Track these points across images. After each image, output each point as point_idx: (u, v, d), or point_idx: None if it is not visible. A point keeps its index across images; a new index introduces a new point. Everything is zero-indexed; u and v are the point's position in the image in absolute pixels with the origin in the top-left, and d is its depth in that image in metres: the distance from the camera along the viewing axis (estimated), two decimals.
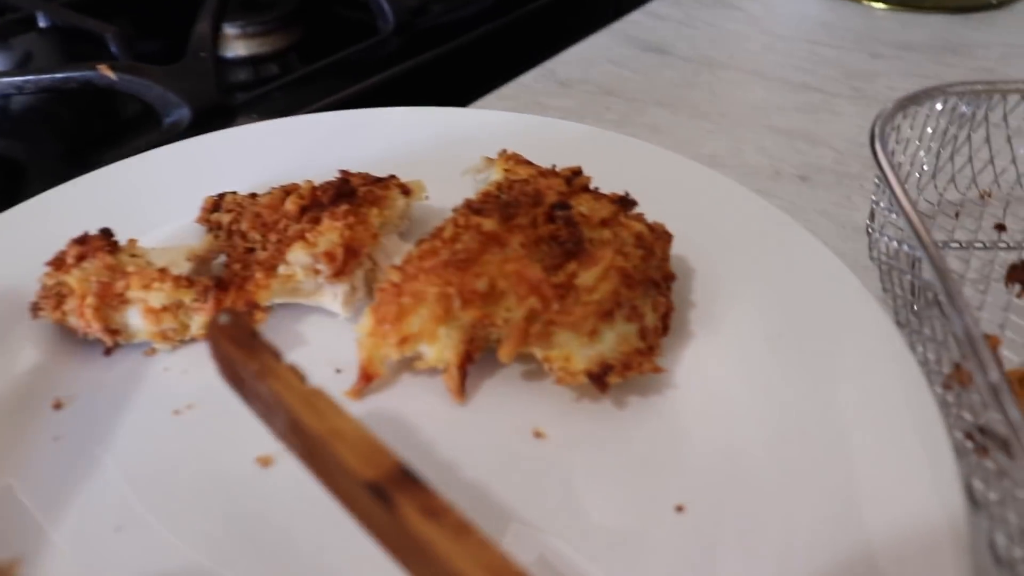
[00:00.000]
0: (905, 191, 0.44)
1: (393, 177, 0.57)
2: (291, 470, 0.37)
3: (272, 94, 0.83)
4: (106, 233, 0.53)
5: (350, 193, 0.53)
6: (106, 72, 0.79)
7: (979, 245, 0.54)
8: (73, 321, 0.50)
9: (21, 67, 0.96)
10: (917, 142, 0.55)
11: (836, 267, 0.49)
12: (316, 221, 0.51)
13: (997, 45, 0.88)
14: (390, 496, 0.28)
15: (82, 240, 0.52)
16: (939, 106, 0.53)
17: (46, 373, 0.49)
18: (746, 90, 0.79)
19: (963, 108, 0.54)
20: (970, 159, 0.57)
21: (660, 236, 0.47)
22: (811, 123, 0.74)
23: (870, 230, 0.50)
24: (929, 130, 0.54)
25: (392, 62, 0.90)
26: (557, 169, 0.54)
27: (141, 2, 1.08)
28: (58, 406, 0.48)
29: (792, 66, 0.83)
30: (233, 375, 0.36)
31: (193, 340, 0.51)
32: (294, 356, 0.50)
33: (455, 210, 0.48)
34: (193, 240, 0.57)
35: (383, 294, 0.46)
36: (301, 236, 0.51)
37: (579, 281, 0.43)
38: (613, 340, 0.44)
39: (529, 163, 0.55)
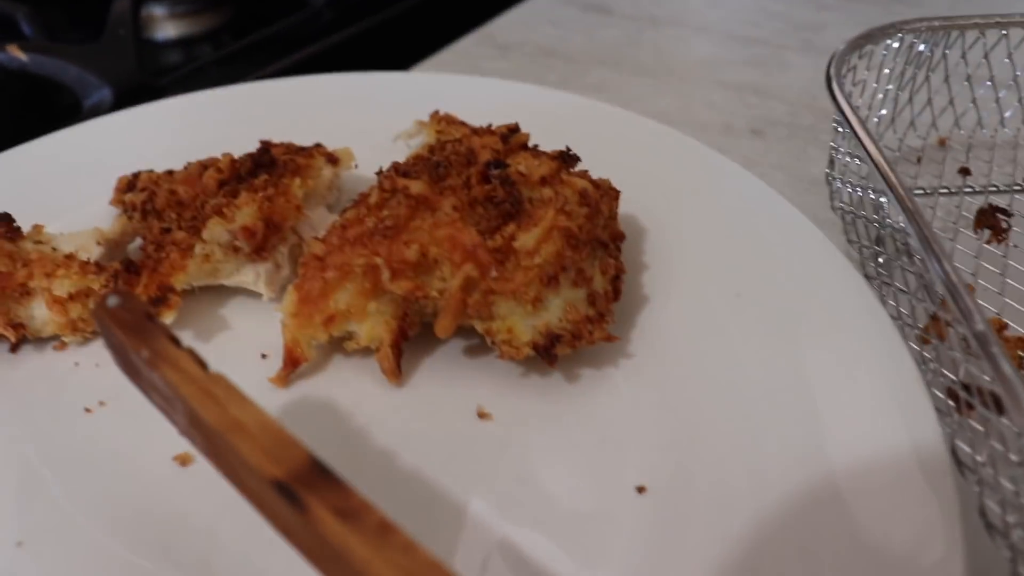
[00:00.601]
0: (867, 129, 0.41)
1: (319, 146, 0.53)
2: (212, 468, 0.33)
3: (201, 72, 0.78)
4: (5, 219, 0.48)
5: (269, 163, 0.48)
6: (16, 53, 0.73)
7: (944, 191, 0.51)
8: None
9: None
10: (874, 84, 0.52)
11: (797, 219, 0.46)
12: (234, 195, 0.47)
13: None
14: (299, 496, 0.24)
15: None
16: (895, 44, 0.50)
17: None
18: (692, 46, 0.76)
19: (920, 47, 0.51)
20: (929, 101, 0.54)
21: (606, 193, 0.44)
22: (761, 76, 0.71)
23: (830, 179, 0.47)
24: (886, 71, 0.51)
25: (325, 33, 0.85)
26: (493, 128, 0.51)
27: None
28: None
29: (738, 20, 0.80)
30: (127, 364, 0.31)
31: None
32: (216, 342, 0.46)
33: (379, 173, 0.44)
34: (108, 223, 0.53)
35: (306, 269, 0.42)
36: (218, 211, 0.46)
37: (518, 244, 0.39)
38: (559, 308, 0.40)
39: (463, 124, 0.51)
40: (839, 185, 0.46)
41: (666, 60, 0.74)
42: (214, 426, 0.27)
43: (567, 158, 0.46)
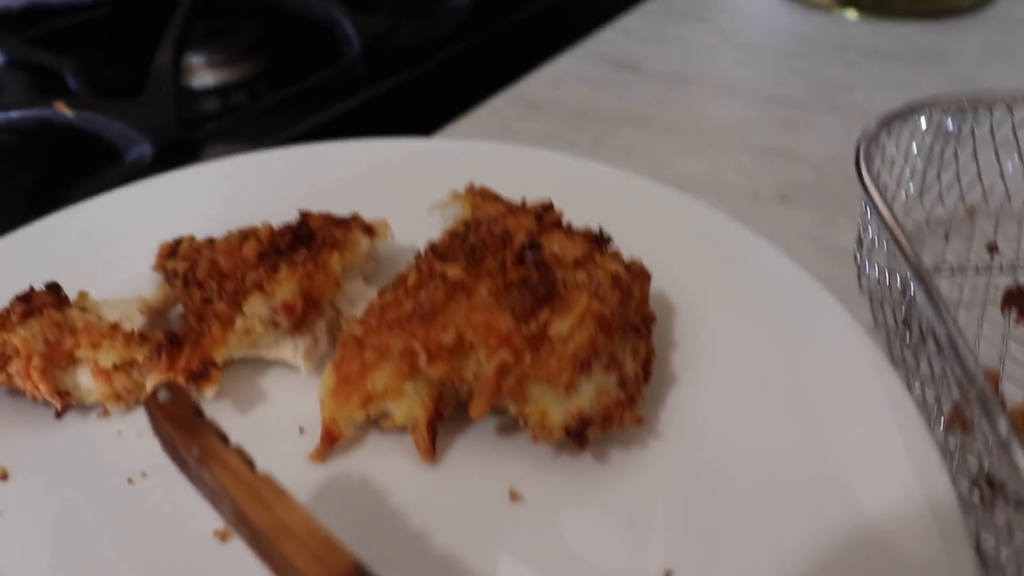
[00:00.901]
0: (894, 215, 0.41)
1: (356, 216, 0.54)
2: None
3: (238, 125, 0.80)
4: (53, 288, 0.50)
5: (308, 237, 0.50)
6: (62, 109, 0.76)
7: (972, 269, 0.52)
8: (20, 383, 0.47)
9: None
10: (903, 160, 0.52)
11: (824, 299, 0.46)
12: (274, 269, 0.48)
13: (972, 51, 0.86)
14: None
15: (27, 297, 0.49)
16: (923, 122, 0.51)
17: None
18: (721, 106, 0.77)
19: (949, 124, 0.52)
20: (957, 177, 0.55)
21: (638, 276, 0.45)
22: (789, 138, 0.72)
23: (857, 257, 0.48)
24: (914, 148, 0.52)
25: (360, 87, 0.87)
26: (527, 204, 0.52)
27: (105, 33, 1.05)
28: (3, 476, 0.44)
29: (765, 79, 0.81)
30: (176, 455, 0.33)
31: None
32: (255, 414, 0.47)
33: (418, 256, 0.46)
34: (150, 288, 0.54)
35: (345, 349, 0.43)
36: (258, 286, 0.48)
37: (553, 330, 0.40)
38: (591, 392, 0.41)
39: (497, 198, 0.52)
40: (866, 264, 0.47)
41: (695, 121, 0.75)
42: (262, 527, 0.28)
43: (599, 239, 0.47)
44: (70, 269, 0.56)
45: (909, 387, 0.42)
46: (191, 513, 0.40)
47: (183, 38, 0.90)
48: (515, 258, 0.44)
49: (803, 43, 0.89)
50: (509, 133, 0.74)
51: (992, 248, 0.54)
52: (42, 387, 0.46)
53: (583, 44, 0.90)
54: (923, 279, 0.39)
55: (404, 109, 0.90)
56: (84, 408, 0.48)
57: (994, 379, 0.41)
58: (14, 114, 0.76)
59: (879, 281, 0.45)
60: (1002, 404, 0.38)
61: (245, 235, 0.52)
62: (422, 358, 0.41)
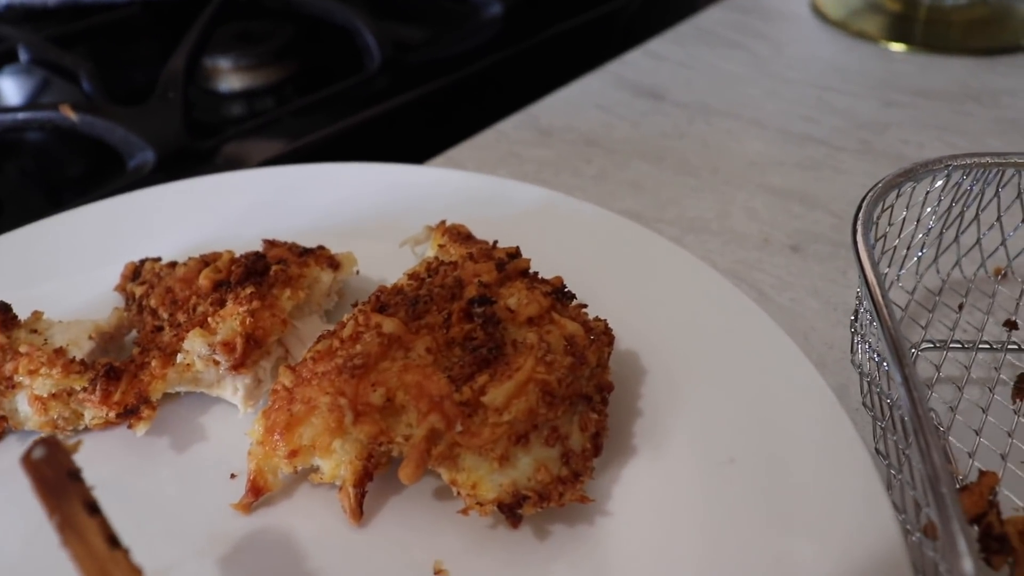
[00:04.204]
0: (881, 288, 0.37)
1: (322, 248, 0.51)
2: None
3: (248, 135, 0.78)
4: (2, 308, 0.48)
5: (262, 271, 0.47)
6: (68, 113, 0.75)
7: (984, 345, 0.46)
8: None
9: None
10: (916, 221, 0.47)
11: (809, 377, 0.42)
12: (221, 303, 0.46)
13: None
14: None
15: None
16: (939, 183, 0.46)
17: None
18: (742, 142, 0.72)
19: (968, 185, 0.47)
20: (978, 241, 0.50)
21: (599, 338, 0.41)
22: (810, 181, 0.67)
23: (853, 330, 0.43)
24: (928, 209, 0.47)
25: (377, 100, 0.85)
26: (496, 247, 0.48)
27: (133, 33, 1.05)
28: None
29: (796, 115, 0.76)
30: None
31: (88, 429, 0.46)
32: (189, 453, 0.45)
33: (356, 304, 0.43)
34: (115, 307, 0.53)
35: (275, 398, 0.40)
36: (201, 321, 0.45)
37: (487, 399, 0.37)
38: (529, 466, 0.38)
39: (468, 238, 0.49)
40: (859, 341, 0.42)
41: (712, 157, 0.70)
42: None
43: (561, 295, 0.43)
44: (36, 283, 0.55)
45: (889, 485, 0.37)
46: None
47: (200, 44, 0.89)
48: (461, 313, 0.40)
49: (842, 76, 0.83)
50: (514, 160, 0.71)
51: (1011, 324, 0.49)
52: None
53: (608, 66, 0.86)
54: (899, 356, 0.34)
55: (420, 123, 0.87)
56: (25, 433, 0.46)
57: (989, 484, 0.36)
58: (21, 115, 0.76)
59: (870, 360, 0.40)
60: (996, 514, 0.34)
61: (206, 261, 0.50)
62: (348, 417, 0.38)
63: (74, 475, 0.30)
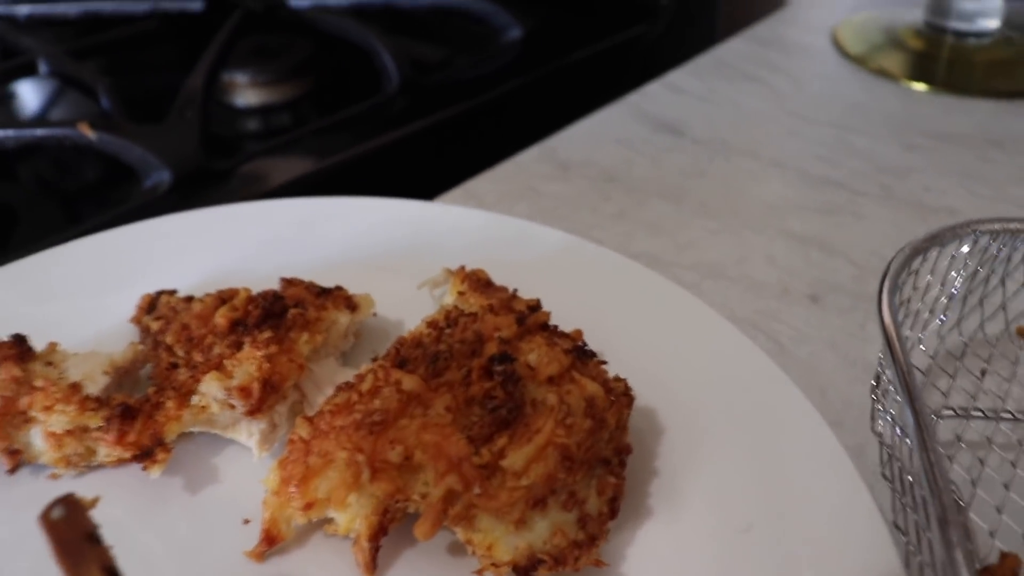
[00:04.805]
0: (910, 373, 0.36)
1: (339, 289, 0.51)
2: None
3: (266, 156, 0.78)
4: (18, 340, 0.48)
5: (280, 313, 0.47)
6: (85, 131, 0.75)
7: (1007, 415, 0.46)
8: None
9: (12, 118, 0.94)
10: (940, 286, 0.47)
11: (827, 443, 0.42)
12: (238, 345, 0.46)
13: None
14: None
15: None
16: (966, 248, 0.46)
17: None
18: (761, 184, 0.72)
19: (996, 249, 0.47)
20: (1003, 305, 0.49)
21: (618, 400, 0.41)
22: (830, 227, 0.66)
23: (873, 397, 0.43)
24: (953, 273, 0.47)
25: (395, 124, 0.85)
26: (519, 293, 0.48)
27: (153, 46, 1.05)
28: None
29: (816, 156, 0.76)
30: None
31: (101, 466, 0.46)
32: (202, 496, 0.45)
33: (375, 358, 0.42)
34: (131, 338, 0.53)
35: (291, 449, 0.40)
36: (218, 364, 0.45)
37: (506, 463, 0.37)
38: (546, 530, 0.37)
39: (488, 284, 0.49)
40: (880, 408, 0.41)
41: (732, 198, 0.70)
42: None
43: (581, 353, 0.43)
44: (51, 310, 0.54)
45: (907, 563, 0.37)
46: None
47: (219, 60, 0.89)
48: (481, 371, 0.40)
49: (863, 116, 0.83)
50: (532, 194, 0.71)
51: None
52: None
53: (628, 98, 0.86)
54: (924, 441, 0.34)
55: (437, 148, 0.87)
56: (39, 466, 0.46)
57: (1012, 566, 0.35)
58: (39, 132, 0.76)
59: (892, 428, 0.40)
60: None
61: (223, 298, 0.50)
62: (365, 474, 0.37)
63: (93, 538, 0.30)
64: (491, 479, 0.37)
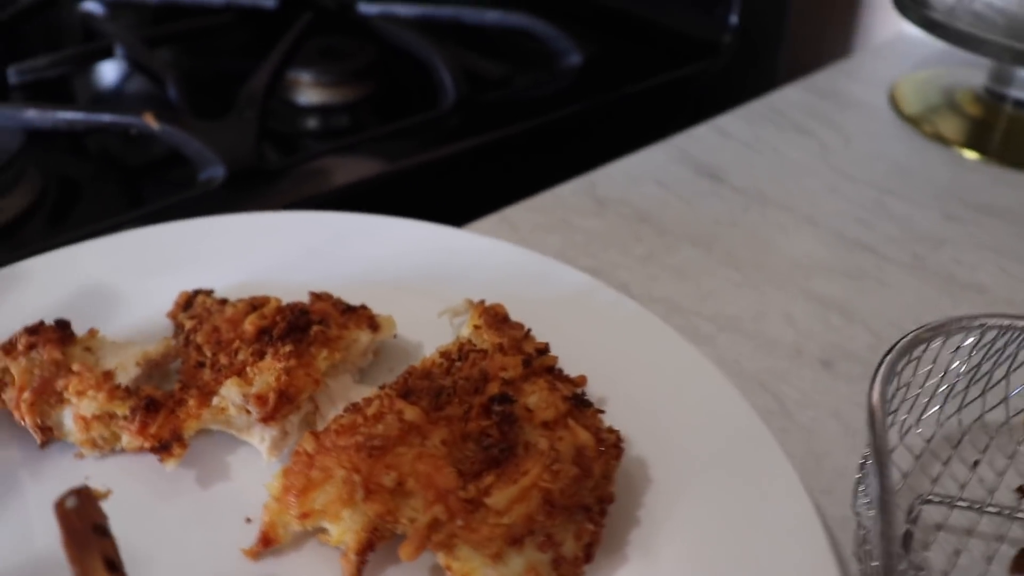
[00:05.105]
0: (882, 435, 0.37)
1: (364, 308, 0.54)
2: None
3: (317, 160, 0.82)
4: (62, 325, 0.52)
5: (304, 327, 0.50)
6: (150, 121, 0.79)
7: (992, 509, 0.47)
8: (12, 411, 0.49)
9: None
10: (942, 374, 0.48)
11: (808, 520, 0.43)
12: (261, 354, 0.49)
13: None
14: None
15: (34, 329, 0.51)
16: (970, 340, 0.46)
17: None
18: (793, 239, 0.73)
19: (1002, 343, 0.47)
20: (1006, 398, 0.50)
21: (607, 451, 0.43)
22: (853, 292, 0.67)
23: (859, 475, 0.44)
24: (957, 363, 0.48)
25: (449, 139, 0.87)
26: (532, 332, 0.50)
27: (220, 38, 1.10)
28: None
29: (852, 216, 0.76)
30: None
31: (124, 451, 0.49)
32: (212, 491, 0.48)
33: (383, 387, 0.45)
34: (165, 332, 0.56)
35: (295, 460, 0.43)
36: (240, 370, 0.48)
37: (491, 500, 0.39)
38: (520, 566, 0.39)
39: (504, 320, 0.51)
40: (862, 491, 0.43)
41: (760, 251, 0.71)
42: None
43: (580, 401, 0.45)
44: (97, 298, 0.58)
45: None
46: None
47: (285, 61, 0.92)
48: (481, 408, 0.42)
49: (906, 179, 0.83)
50: (566, 227, 0.73)
51: (1023, 492, 0.49)
52: (27, 419, 0.48)
53: (674, 139, 0.87)
54: (884, 500, 0.35)
55: (485, 169, 0.89)
56: (67, 444, 0.50)
57: None
58: (106, 117, 0.80)
59: (864, 522, 0.41)
60: None
61: (254, 305, 0.53)
62: (359, 492, 0.40)
63: (100, 529, 0.33)
64: (474, 513, 0.39)
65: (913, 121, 0.94)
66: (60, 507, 0.33)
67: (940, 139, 0.91)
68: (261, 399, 0.46)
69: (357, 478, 0.40)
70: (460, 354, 0.47)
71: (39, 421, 0.49)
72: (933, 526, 0.46)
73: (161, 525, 0.45)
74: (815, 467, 0.52)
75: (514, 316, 0.52)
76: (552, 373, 0.47)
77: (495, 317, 0.51)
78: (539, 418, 0.43)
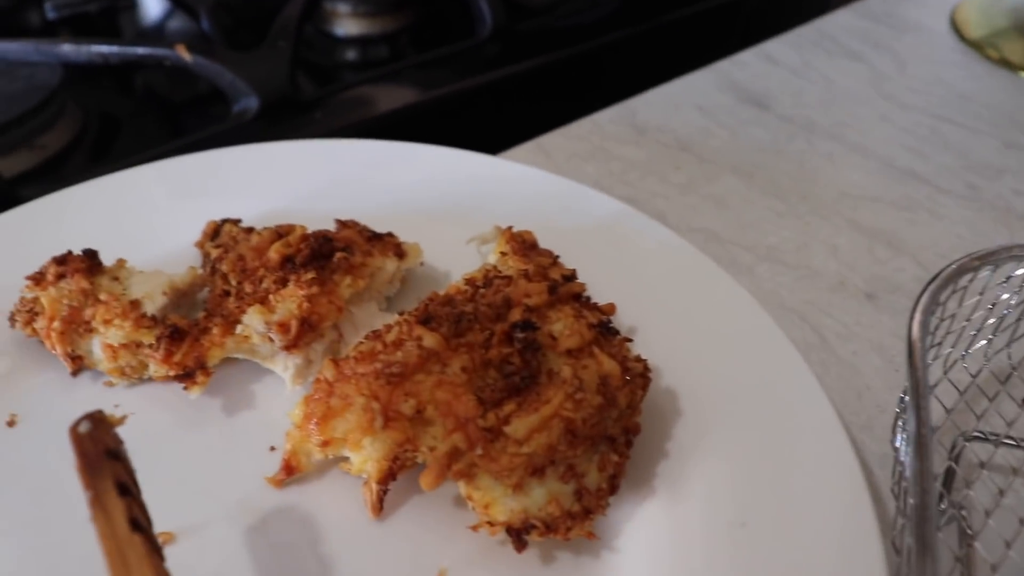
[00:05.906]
0: (924, 399, 0.35)
1: (390, 236, 0.53)
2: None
3: (349, 91, 0.80)
4: (89, 254, 0.52)
5: (327, 254, 0.49)
6: (183, 53, 0.78)
7: None
8: (43, 339, 0.49)
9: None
10: (991, 306, 0.45)
11: (844, 455, 0.41)
12: (284, 282, 0.48)
13: None
14: None
15: (63, 260, 0.51)
16: (1022, 270, 0.44)
17: (8, 386, 0.49)
18: (839, 169, 0.70)
19: None
20: None
21: (634, 380, 0.41)
22: (903, 224, 0.64)
23: (898, 409, 0.42)
24: (1006, 295, 0.45)
25: (486, 68, 0.85)
26: (561, 259, 0.49)
27: None
28: (11, 423, 0.47)
29: (904, 146, 0.73)
30: None
31: (151, 380, 0.49)
32: (237, 419, 0.48)
33: (402, 313, 0.44)
34: (192, 261, 0.56)
35: (316, 388, 0.42)
36: (264, 296, 0.47)
37: (510, 429, 0.38)
38: (541, 497, 0.39)
39: (533, 247, 0.50)
40: (900, 429, 0.41)
41: (805, 181, 0.68)
42: None
43: (606, 329, 0.43)
44: (125, 226, 0.58)
45: None
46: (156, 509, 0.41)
47: None
48: (503, 335, 0.41)
49: (966, 106, 0.78)
50: (603, 155, 0.70)
51: None
52: (58, 348, 0.48)
53: (717, 64, 0.84)
54: (920, 440, 0.33)
55: (522, 97, 0.87)
56: (97, 372, 0.50)
57: None
58: (140, 50, 0.79)
59: (902, 462, 0.39)
60: None
61: (280, 233, 0.52)
62: (378, 420, 0.39)
63: (113, 454, 0.33)
64: (494, 442, 0.38)
65: (976, 45, 0.89)
66: (74, 432, 0.33)
67: (1006, 64, 0.86)
68: (283, 327, 0.46)
69: (376, 405, 0.39)
70: (485, 280, 0.46)
71: (69, 350, 0.49)
72: (977, 464, 0.44)
73: (189, 453, 0.46)
74: (855, 402, 0.51)
75: (545, 244, 0.51)
76: (579, 301, 0.45)
77: (522, 243, 0.49)
78: (563, 346, 0.41)
